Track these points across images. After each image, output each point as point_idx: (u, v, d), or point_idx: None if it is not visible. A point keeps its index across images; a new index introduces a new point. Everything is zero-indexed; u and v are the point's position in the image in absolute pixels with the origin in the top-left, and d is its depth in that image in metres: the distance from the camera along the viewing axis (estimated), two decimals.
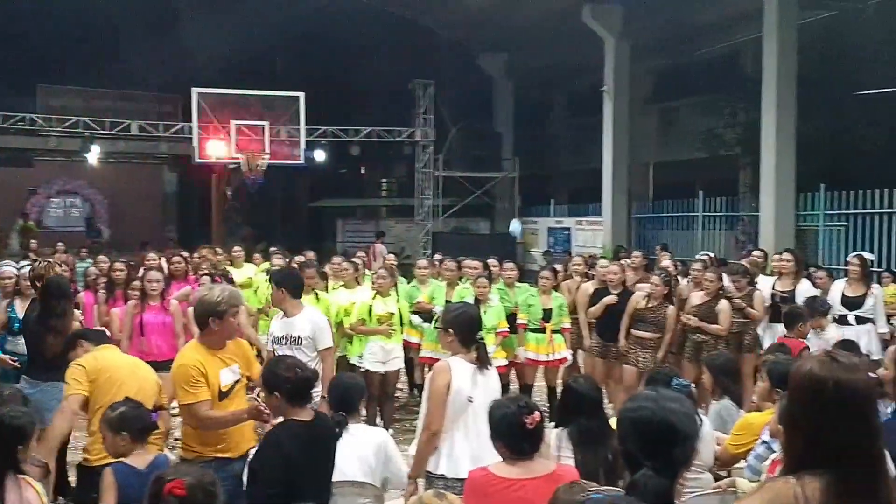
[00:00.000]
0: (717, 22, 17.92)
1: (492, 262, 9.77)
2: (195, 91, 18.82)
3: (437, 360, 8.39)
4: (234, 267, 11.22)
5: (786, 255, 9.49)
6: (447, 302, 8.81)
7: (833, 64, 15.71)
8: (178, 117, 20.47)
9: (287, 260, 10.62)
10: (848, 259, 9.50)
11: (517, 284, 9.39)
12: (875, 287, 9.42)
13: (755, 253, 11.43)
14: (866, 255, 9.88)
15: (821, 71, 15.66)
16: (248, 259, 12.00)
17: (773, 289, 9.41)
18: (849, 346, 6.37)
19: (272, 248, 12.03)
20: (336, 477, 4.51)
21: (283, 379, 4.05)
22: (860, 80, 15.36)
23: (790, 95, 14.71)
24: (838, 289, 9.10)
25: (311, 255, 11.50)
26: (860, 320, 8.83)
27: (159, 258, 10.35)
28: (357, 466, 4.60)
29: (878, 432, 2.27)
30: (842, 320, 8.89)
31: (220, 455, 4.57)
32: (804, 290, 9.21)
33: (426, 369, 8.86)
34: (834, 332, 8.15)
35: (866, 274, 9.25)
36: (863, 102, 15.38)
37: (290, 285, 6.41)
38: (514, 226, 21.04)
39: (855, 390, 2.23)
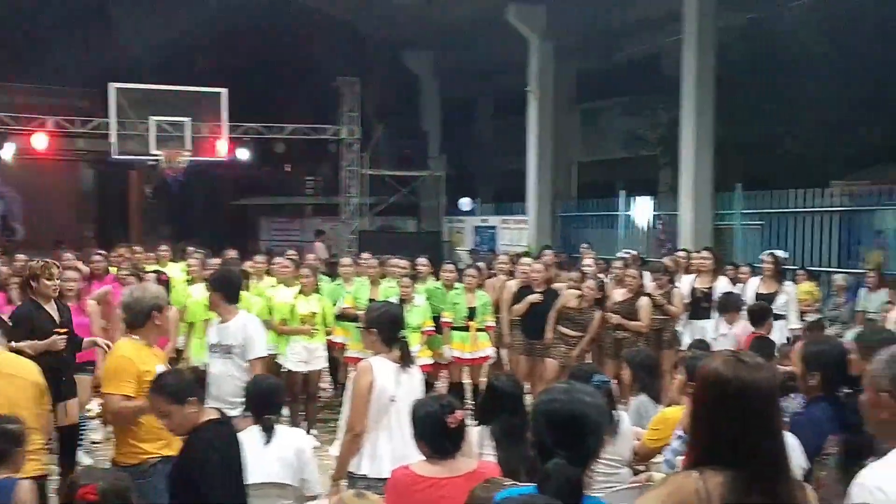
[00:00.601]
0: (639, 24, 18.24)
1: (422, 261, 9.77)
2: (112, 86, 18.35)
3: (361, 359, 8.40)
4: (160, 266, 10.93)
5: (704, 254, 9.74)
6: (370, 300, 8.79)
7: (752, 66, 16.14)
8: (96, 113, 19.92)
9: (202, 259, 10.40)
10: (761, 257, 9.78)
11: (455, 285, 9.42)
12: (787, 284, 9.72)
13: (679, 252, 11.68)
14: (779, 253, 10.20)
15: (740, 73, 16.07)
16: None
17: (693, 286, 9.64)
18: (765, 344, 6.55)
19: (189, 248, 11.76)
20: (258, 479, 4.46)
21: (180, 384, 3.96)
22: (778, 83, 15.84)
23: (709, 97, 15.06)
24: (753, 286, 9.37)
25: (232, 254, 11.30)
26: (774, 317, 9.08)
27: (77, 257, 10.09)
28: (278, 468, 4.55)
29: (779, 431, 2.32)
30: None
31: (165, 453, 4.51)
32: (722, 286, 9.46)
33: (350, 369, 8.81)
34: (744, 327, 8.39)
35: (779, 272, 9.56)
36: (780, 104, 15.86)
37: (224, 289, 6.00)
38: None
39: (758, 389, 2.27)
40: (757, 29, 16.29)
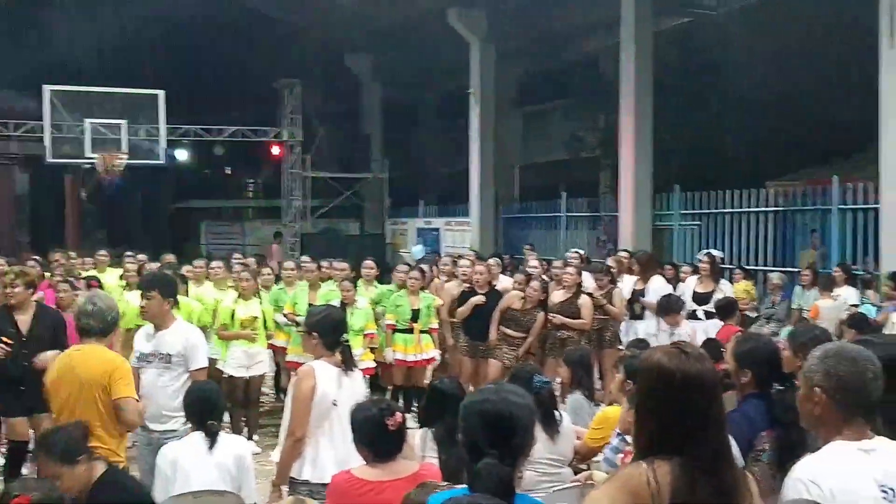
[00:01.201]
0: (579, 28, 18.43)
1: (368, 263, 9.71)
2: (47, 88, 17.96)
3: (302, 363, 8.34)
4: (98, 272, 10.70)
5: (622, 254, 9.82)
6: (310, 305, 8.75)
7: (689, 70, 16.44)
8: (30, 116, 19.45)
9: (140, 265, 10.23)
10: (698, 257, 9.96)
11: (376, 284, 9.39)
12: (723, 283, 9.92)
13: (621, 252, 11.83)
14: (715, 252, 10.41)
15: (677, 76, 16.36)
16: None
17: (634, 287, 9.81)
18: (713, 345, 6.64)
19: (127, 253, 11.56)
20: (198, 486, 4.40)
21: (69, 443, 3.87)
22: (715, 86, 16.17)
23: (647, 100, 15.28)
24: (690, 285, 9.54)
25: (170, 258, 11.12)
26: (710, 315, 9.27)
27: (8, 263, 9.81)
28: (217, 475, 4.48)
29: (722, 421, 2.39)
30: (692, 315, 9.33)
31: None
32: (657, 287, 9.61)
33: (293, 374, 8.72)
34: (687, 328, 8.53)
35: (716, 271, 9.76)
36: (716, 107, 16.20)
37: (164, 292, 5.55)
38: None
39: (701, 380, 2.34)
40: (694, 33, 16.60)
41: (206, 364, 5.65)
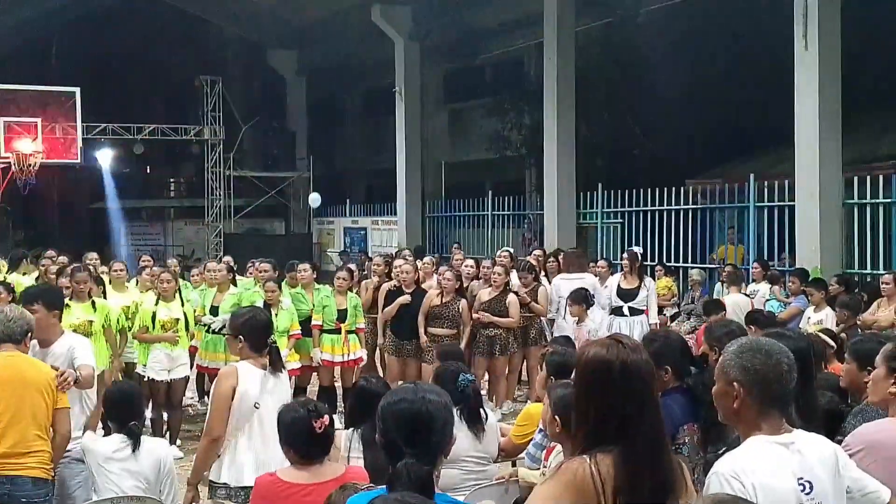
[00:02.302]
0: (501, 26, 18.53)
1: (304, 266, 9.55)
2: None
3: (212, 369, 8.21)
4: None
5: (537, 253, 9.91)
6: (213, 307, 8.64)
7: (610, 69, 16.67)
8: None
9: (60, 266, 9.92)
10: (624, 255, 10.10)
11: (315, 286, 9.29)
12: (647, 280, 10.10)
13: (536, 252, 11.94)
14: (636, 249, 10.60)
15: (599, 75, 16.57)
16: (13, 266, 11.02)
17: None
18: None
19: (49, 252, 11.22)
20: (112, 493, 4.30)
21: None
22: (636, 85, 16.42)
23: (570, 99, 15.45)
24: (615, 282, 9.68)
25: (93, 256, 10.78)
26: (633, 311, 9.43)
27: None
28: (131, 483, 4.38)
29: (658, 409, 2.46)
30: (617, 311, 9.47)
31: None
32: (588, 284, 9.66)
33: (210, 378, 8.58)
34: (598, 320, 8.70)
35: (637, 267, 9.93)
36: (637, 106, 16.46)
37: (48, 303, 5.10)
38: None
39: (639, 369, 2.41)
40: (615, 32, 16.83)
41: (91, 362, 5.09)
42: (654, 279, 12.49)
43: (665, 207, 14.02)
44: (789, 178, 11.72)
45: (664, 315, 11.80)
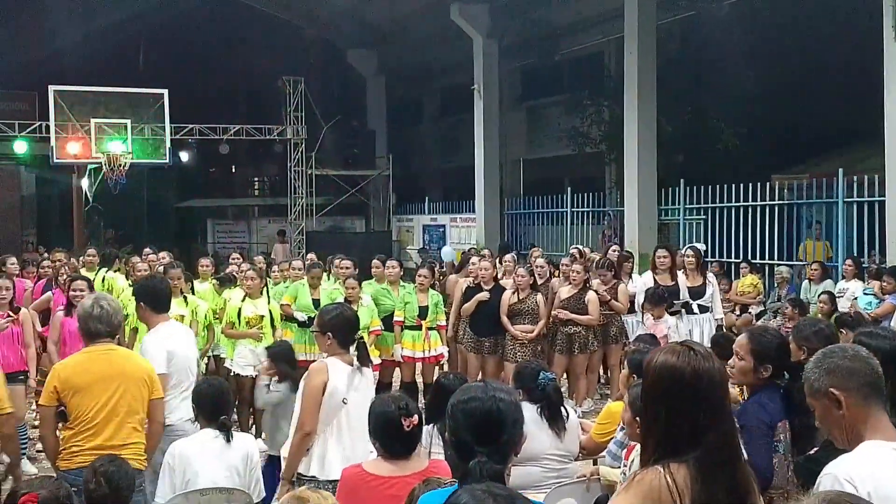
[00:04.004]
0: (578, 22, 18.41)
1: (376, 262, 9.71)
2: (52, 88, 18.01)
3: (307, 361, 8.39)
4: (88, 271, 10.71)
5: (661, 252, 9.69)
6: (315, 302, 8.77)
7: (692, 63, 16.40)
8: (35, 116, 19.51)
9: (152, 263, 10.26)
10: (682, 252, 9.86)
11: (401, 283, 9.40)
12: (710, 276, 9.85)
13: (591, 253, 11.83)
14: (699, 246, 10.38)
15: (680, 70, 16.31)
16: (106, 264, 11.41)
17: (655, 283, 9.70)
18: (723, 340, 6.64)
19: (146, 250, 11.60)
20: (202, 484, 4.42)
21: None
22: (716, 79, 16.12)
23: (651, 94, 15.25)
24: (682, 280, 9.42)
25: (164, 255, 11.13)
26: (702, 309, 9.25)
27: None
28: (225, 474, 4.51)
29: (731, 417, 2.40)
30: (687, 309, 9.27)
31: None
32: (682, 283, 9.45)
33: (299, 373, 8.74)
34: (672, 320, 8.57)
35: (701, 264, 9.70)
36: (719, 100, 16.15)
37: (149, 299, 5.53)
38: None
39: (711, 377, 2.34)
40: (697, 26, 16.55)
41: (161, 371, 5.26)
42: (738, 277, 12.30)
43: (750, 203, 13.74)
44: (878, 173, 11.36)
45: (749, 313, 11.58)
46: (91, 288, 7.82)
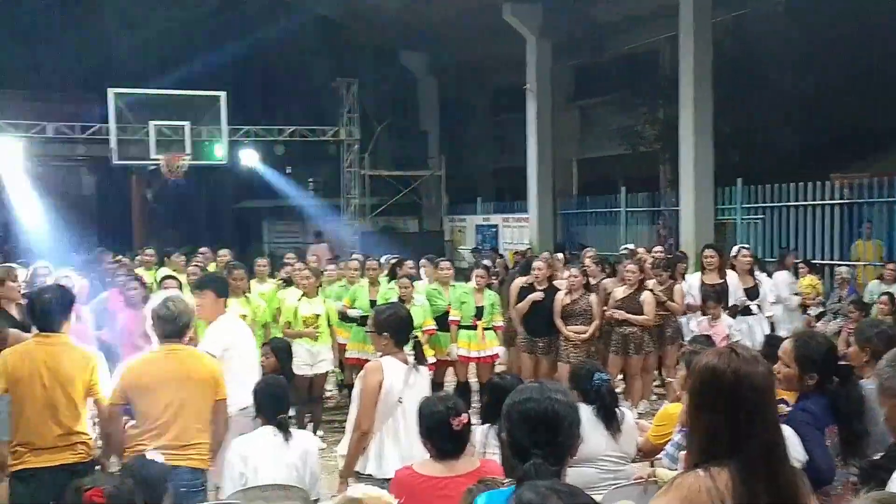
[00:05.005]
0: (634, 19, 18.25)
1: (445, 264, 9.73)
2: (112, 91, 18.39)
3: (362, 360, 8.48)
4: (145, 270, 10.91)
5: (708, 252, 9.56)
6: (372, 302, 8.82)
7: (747, 61, 16.14)
8: (95, 118, 19.94)
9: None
10: (743, 251, 9.69)
11: (452, 283, 9.43)
12: (760, 275, 9.68)
13: (657, 248, 11.69)
14: (748, 246, 10.24)
15: (735, 67, 16.07)
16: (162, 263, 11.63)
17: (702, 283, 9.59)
18: (775, 341, 6.53)
19: (202, 249, 11.79)
20: (262, 481, 4.49)
21: None
22: (772, 77, 15.85)
23: (706, 92, 15.05)
24: (734, 280, 9.26)
25: (224, 253, 11.27)
26: (750, 311, 9.11)
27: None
28: (284, 471, 4.57)
29: (776, 421, 2.35)
30: (745, 310, 9.13)
31: None
32: (731, 282, 9.32)
33: (354, 371, 8.81)
34: (730, 320, 8.46)
35: (754, 264, 9.56)
36: (775, 98, 15.87)
37: (214, 286, 5.87)
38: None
39: (753, 382, 2.30)
40: (753, 23, 16.29)
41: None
42: (797, 277, 12.07)
43: (809, 202, 13.51)
44: None
45: (808, 314, 11.36)
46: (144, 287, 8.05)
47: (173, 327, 4.67)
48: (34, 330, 4.82)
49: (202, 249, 11.67)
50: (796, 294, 10.12)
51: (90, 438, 4.65)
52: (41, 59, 20.52)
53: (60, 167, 25.32)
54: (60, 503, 3.52)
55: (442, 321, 9.04)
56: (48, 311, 4.69)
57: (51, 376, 4.52)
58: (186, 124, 18.46)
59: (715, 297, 8.66)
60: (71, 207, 26.64)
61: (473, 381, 9.32)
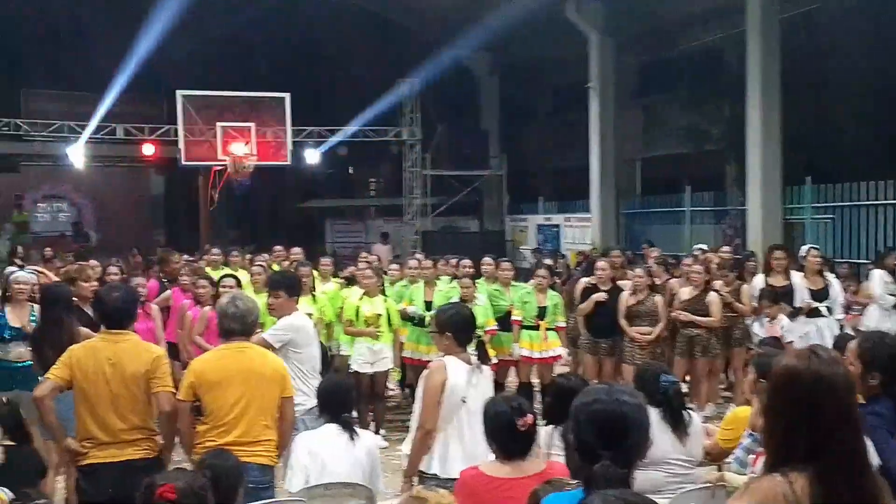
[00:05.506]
0: (699, 17, 17.97)
1: (487, 260, 9.74)
2: (180, 93, 18.76)
3: (415, 359, 8.51)
4: (212, 270, 11.05)
5: (779, 253, 9.35)
6: (427, 303, 8.83)
7: (816, 57, 15.77)
8: (164, 120, 20.37)
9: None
10: (812, 251, 9.45)
11: (513, 283, 9.40)
12: (829, 276, 9.43)
13: (725, 248, 11.48)
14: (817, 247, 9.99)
15: (803, 64, 15.71)
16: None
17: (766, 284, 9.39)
18: (844, 342, 6.37)
19: (276, 248, 11.93)
20: (327, 479, 4.52)
21: None
22: (843, 73, 15.45)
23: (775, 89, 14.76)
24: (802, 283, 9.04)
25: (297, 251, 11.36)
26: (830, 311, 8.87)
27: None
28: (350, 469, 4.60)
29: (857, 425, 2.29)
30: (814, 312, 8.89)
31: None
32: (796, 283, 9.13)
33: (413, 371, 8.84)
34: (787, 322, 8.30)
35: (824, 265, 9.31)
36: (845, 95, 15.47)
37: (285, 286, 6.10)
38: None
39: (833, 384, 2.25)
40: (822, 19, 15.90)
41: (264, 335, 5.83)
42: (867, 279, 11.73)
43: (881, 202, 13.14)
44: None
45: None
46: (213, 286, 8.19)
47: (241, 325, 4.73)
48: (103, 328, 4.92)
49: (276, 248, 11.81)
50: (891, 295, 9.84)
51: (156, 435, 4.71)
52: (110, 62, 21.01)
53: (130, 168, 25.94)
54: (125, 499, 3.56)
55: (503, 321, 9.01)
56: (115, 308, 4.77)
57: (115, 372, 4.59)
58: (252, 125, 18.73)
59: (771, 297, 8.49)
60: (140, 208, 27.35)
61: (535, 381, 9.27)
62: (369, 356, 8.54)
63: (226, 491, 3.62)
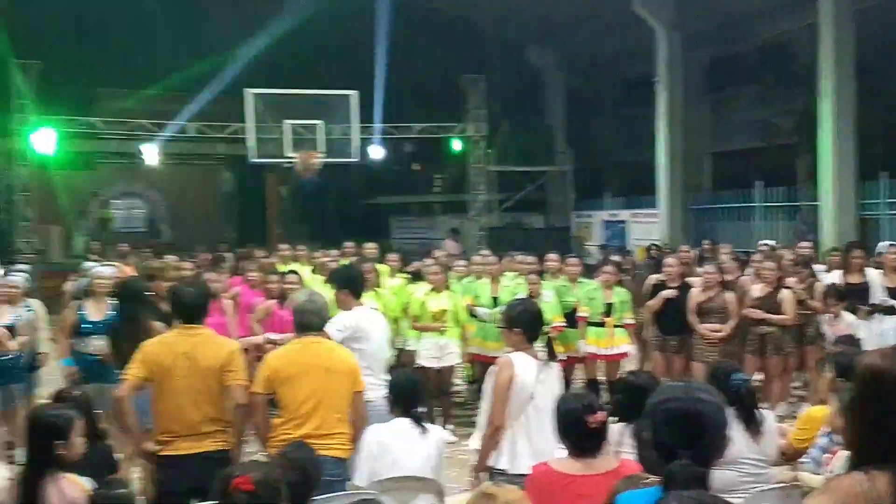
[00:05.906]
0: (769, 9, 17.60)
1: (553, 256, 9.72)
2: (248, 92, 19.05)
3: (481, 355, 8.52)
4: (280, 266, 11.19)
5: (857, 252, 9.11)
6: (493, 299, 8.83)
7: (891, 48, 15.34)
8: (234, 118, 20.72)
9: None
10: (881, 250, 9.16)
11: (580, 280, 9.36)
12: None
13: (803, 243, 11.21)
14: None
15: (878, 56, 15.29)
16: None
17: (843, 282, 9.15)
18: None
19: (348, 244, 12.06)
20: (398, 472, 4.57)
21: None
22: None
23: (848, 82, 14.39)
24: (877, 280, 8.79)
25: (371, 246, 11.45)
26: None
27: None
28: (420, 463, 4.64)
29: None
30: (889, 310, 8.64)
31: None
32: (872, 280, 8.88)
33: (479, 367, 8.85)
34: (852, 319, 8.17)
35: None
36: None
37: (347, 283, 6.11)
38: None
39: None
40: (894, 10, 15.45)
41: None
42: None
43: None
44: None
45: None
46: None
47: (316, 320, 4.83)
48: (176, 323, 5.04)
49: (347, 244, 11.95)
50: None
51: (230, 427, 4.79)
52: (180, 62, 21.46)
53: (202, 165, 26.47)
54: (201, 490, 3.62)
55: (570, 318, 8.97)
56: (190, 303, 4.89)
57: (190, 366, 4.68)
58: (320, 122, 18.94)
59: (836, 295, 8.29)
60: (210, 205, 27.87)
61: (601, 378, 9.22)
62: (435, 351, 8.58)
63: (305, 482, 3.68)
